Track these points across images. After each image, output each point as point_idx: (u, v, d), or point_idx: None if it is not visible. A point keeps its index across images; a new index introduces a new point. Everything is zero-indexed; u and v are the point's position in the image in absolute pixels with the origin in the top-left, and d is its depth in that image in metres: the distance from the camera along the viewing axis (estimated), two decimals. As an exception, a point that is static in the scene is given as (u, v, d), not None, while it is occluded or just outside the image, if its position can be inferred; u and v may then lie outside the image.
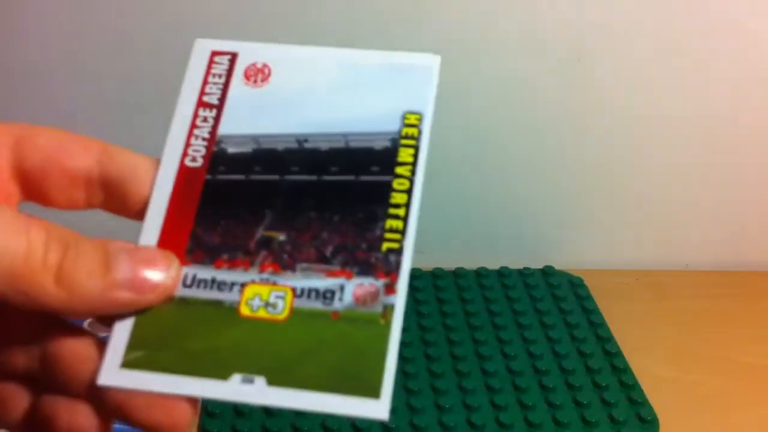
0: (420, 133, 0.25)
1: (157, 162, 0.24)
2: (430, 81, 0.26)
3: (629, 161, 0.63)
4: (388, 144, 0.24)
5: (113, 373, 0.21)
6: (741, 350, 0.56)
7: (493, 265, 0.60)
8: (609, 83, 0.60)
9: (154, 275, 0.22)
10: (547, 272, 0.60)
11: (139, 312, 0.22)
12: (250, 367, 0.21)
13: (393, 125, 0.25)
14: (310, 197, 0.24)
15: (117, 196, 0.23)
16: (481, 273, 0.59)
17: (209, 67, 0.26)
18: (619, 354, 0.52)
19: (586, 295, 0.58)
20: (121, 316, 0.22)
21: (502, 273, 0.59)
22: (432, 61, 0.26)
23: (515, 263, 0.60)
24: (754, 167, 0.64)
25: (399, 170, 0.24)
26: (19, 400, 0.23)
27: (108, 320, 0.22)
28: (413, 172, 0.24)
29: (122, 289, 0.21)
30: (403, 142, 0.24)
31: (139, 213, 0.24)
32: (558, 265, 0.61)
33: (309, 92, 0.25)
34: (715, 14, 0.57)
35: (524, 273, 0.59)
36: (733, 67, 0.59)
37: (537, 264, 0.61)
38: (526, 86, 0.59)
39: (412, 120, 0.25)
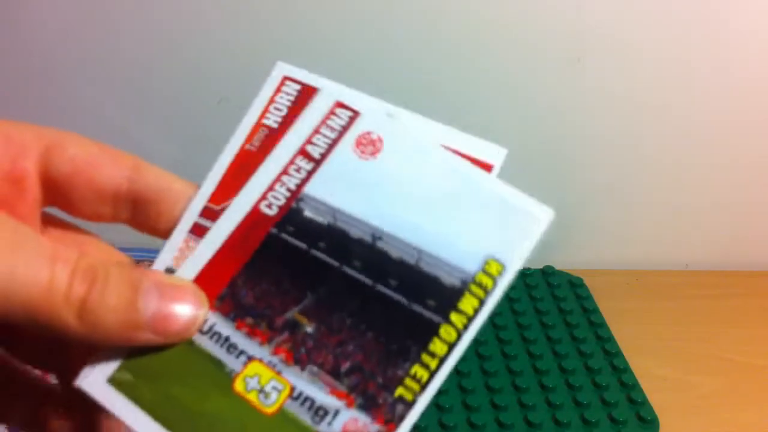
0: (494, 287, 0.22)
1: (194, 186, 0.23)
2: (531, 234, 0.22)
3: (629, 161, 0.63)
4: (456, 283, 0.22)
5: (96, 383, 0.21)
6: (741, 350, 0.56)
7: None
8: (609, 83, 0.60)
9: (180, 319, 0.21)
10: (547, 272, 0.60)
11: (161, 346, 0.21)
12: None
13: (471, 265, 0.22)
14: (356, 300, 0.22)
15: (145, 214, 0.23)
16: (481, 273, 0.59)
17: (327, 117, 0.24)
18: (619, 354, 0.52)
19: (586, 295, 0.58)
20: None
21: (502, 273, 0.59)
22: (544, 214, 0.23)
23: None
24: (754, 167, 0.64)
25: (453, 317, 0.22)
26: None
27: None
28: (466, 327, 0.21)
29: (144, 331, 0.20)
30: (473, 288, 0.22)
31: (166, 233, 0.23)
32: (558, 265, 0.61)
33: (408, 186, 0.23)
34: (715, 14, 0.57)
35: (524, 273, 0.59)
36: (734, 67, 0.59)
37: (537, 264, 0.61)
38: (525, 86, 0.59)
39: (493, 269, 0.22)
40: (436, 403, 0.46)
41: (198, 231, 0.23)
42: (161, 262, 0.23)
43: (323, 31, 0.56)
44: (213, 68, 0.57)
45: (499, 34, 0.57)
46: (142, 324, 0.20)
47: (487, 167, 0.24)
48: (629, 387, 0.49)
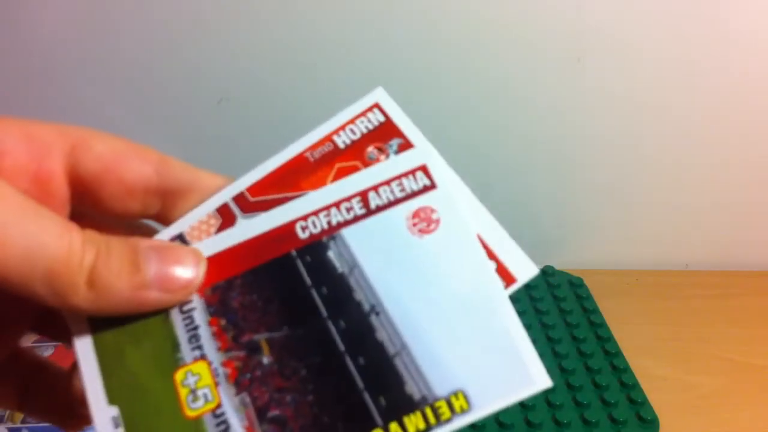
0: (449, 421, 0.20)
1: (224, 179, 0.23)
2: (516, 394, 0.21)
3: (629, 161, 0.64)
4: (416, 396, 0.21)
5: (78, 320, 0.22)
6: (741, 350, 0.56)
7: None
8: (609, 83, 0.60)
9: (183, 273, 0.22)
10: (547, 272, 0.60)
11: (169, 307, 0.22)
12: (122, 412, 0.21)
13: (439, 389, 0.21)
14: (320, 358, 0.21)
15: (174, 207, 0.23)
16: (481, 273, 0.59)
17: (405, 175, 0.23)
18: (619, 354, 0.52)
19: (586, 295, 0.58)
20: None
21: (502, 273, 0.59)
22: (541, 381, 0.21)
23: (515, 263, 0.60)
24: (754, 167, 0.64)
25: (393, 427, 0.20)
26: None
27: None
28: None
29: (151, 289, 0.21)
30: (426, 410, 0.21)
31: None
32: (558, 265, 0.61)
33: (432, 278, 0.22)
34: (714, 14, 0.57)
35: (524, 273, 0.59)
36: (734, 67, 0.59)
37: (537, 264, 0.61)
38: (525, 86, 0.60)
39: (457, 404, 0.21)
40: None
41: (224, 212, 0.23)
42: (177, 226, 0.23)
43: (323, 31, 0.56)
44: (213, 68, 0.57)
45: (499, 34, 0.57)
46: (146, 283, 0.21)
47: (511, 279, 0.23)
48: (629, 387, 0.49)
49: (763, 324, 0.60)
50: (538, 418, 0.46)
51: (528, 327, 0.53)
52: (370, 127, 0.24)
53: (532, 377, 0.21)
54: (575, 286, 0.59)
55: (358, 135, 0.24)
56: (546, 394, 0.48)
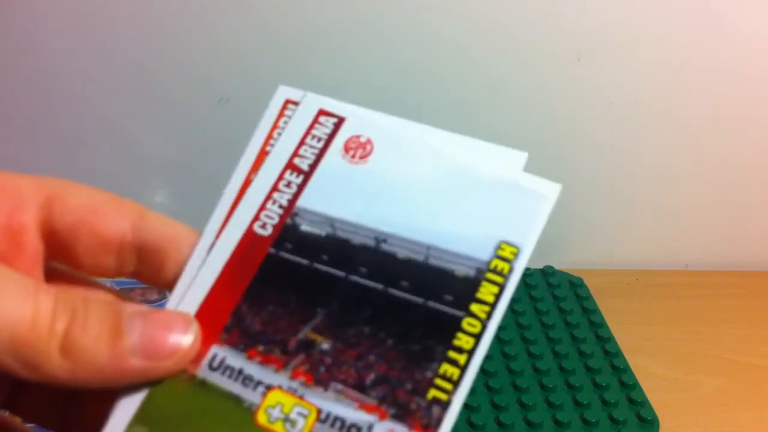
0: (511, 271, 0.21)
1: (198, 234, 0.22)
2: (541, 213, 0.22)
3: (629, 161, 0.64)
4: (471, 273, 0.21)
5: None
6: (741, 350, 0.56)
7: (493, 265, 0.60)
8: (608, 83, 0.60)
9: (171, 339, 0.20)
10: (547, 272, 0.60)
11: (153, 383, 0.20)
12: None
13: (484, 253, 0.21)
14: (369, 308, 0.21)
15: (151, 264, 0.22)
16: (481, 273, 0.59)
17: (311, 126, 0.23)
18: (619, 354, 0.52)
19: (586, 295, 0.58)
20: (134, 386, 0.20)
21: (502, 273, 0.59)
22: (550, 190, 0.22)
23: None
24: (754, 167, 0.64)
25: (474, 308, 0.21)
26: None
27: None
28: (489, 316, 0.20)
29: (134, 356, 0.19)
30: (489, 276, 0.21)
31: (173, 282, 0.22)
32: (558, 265, 0.61)
33: (404, 185, 0.22)
34: (714, 15, 0.57)
35: (524, 273, 0.59)
36: (733, 67, 0.59)
37: (537, 264, 0.61)
38: (525, 86, 0.60)
39: (507, 253, 0.21)
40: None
41: None
42: (171, 305, 0.22)
43: (324, 31, 0.56)
44: (213, 68, 0.57)
45: (498, 34, 0.57)
46: (128, 349, 0.19)
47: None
48: (629, 387, 0.49)
49: (763, 324, 0.60)
50: (538, 418, 0.46)
51: (528, 327, 0.53)
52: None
53: (542, 193, 0.22)
54: (575, 286, 0.59)
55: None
56: (546, 394, 0.48)
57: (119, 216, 0.21)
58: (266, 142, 0.23)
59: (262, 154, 0.23)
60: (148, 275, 0.22)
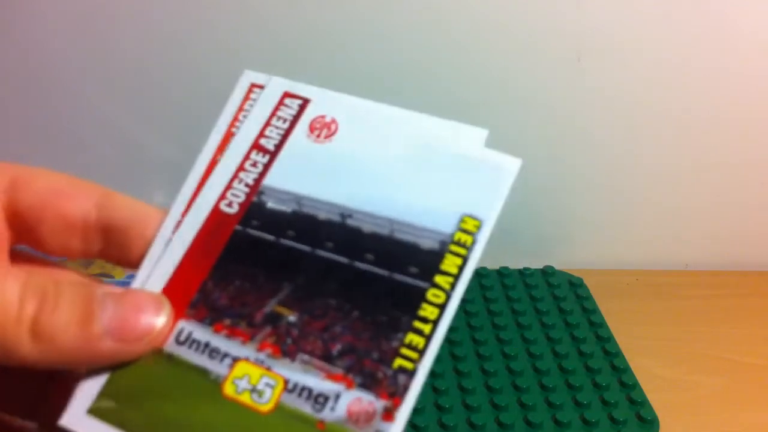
0: (474, 243, 0.22)
1: (163, 213, 0.23)
2: (502, 186, 0.22)
3: (629, 161, 0.64)
4: (435, 246, 0.22)
5: (77, 417, 0.20)
6: (741, 350, 0.56)
7: (493, 265, 0.60)
8: (608, 83, 0.60)
9: (142, 321, 0.20)
10: (547, 272, 0.60)
11: (126, 363, 0.20)
12: None
13: (447, 226, 0.22)
14: (336, 281, 0.22)
15: (117, 244, 0.22)
16: (481, 273, 0.59)
17: (276, 108, 0.24)
18: (619, 354, 0.52)
19: (586, 295, 0.58)
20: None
21: (502, 273, 0.59)
22: (511, 164, 0.23)
23: (515, 263, 0.60)
24: (754, 167, 0.64)
25: (438, 279, 0.21)
26: None
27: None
28: (453, 287, 0.21)
29: (105, 339, 0.19)
30: (452, 248, 0.22)
31: (137, 263, 0.22)
32: (558, 265, 0.61)
33: (369, 162, 0.23)
34: (714, 15, 0.57)
35: (524, 273, 0.59)
36: (733, 67, 0.59)
37: (537, 264, 0.61)
38: (525, 86, 0.60)
39: (470, 226, 0.22)
40: (436, 403, 0.46)
41: None
42: (138, 283, 0.22)
43: (324, 31, 0.56)
44: (213, 68, 0.57)
45: (498, 34, 0.57)
46: (99, 332, 0.19)
47: None
48: (629, 387, 0.49)
49: (763, 324, 0.60)
50: (538, 418, 0.46)
51: (528, 327, 0.53)
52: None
53: (504, 166, 0.23)
54: (575, 286, 0.59)
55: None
56: (546, 394, 0.48)
57: (83, 197, 0.22)
58: (232, 124, 0.24)
59: (228, 136, 0.24)
60: (114, 255, 0.22)
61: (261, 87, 0.25)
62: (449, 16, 0.56)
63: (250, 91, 0.25)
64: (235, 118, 0.24)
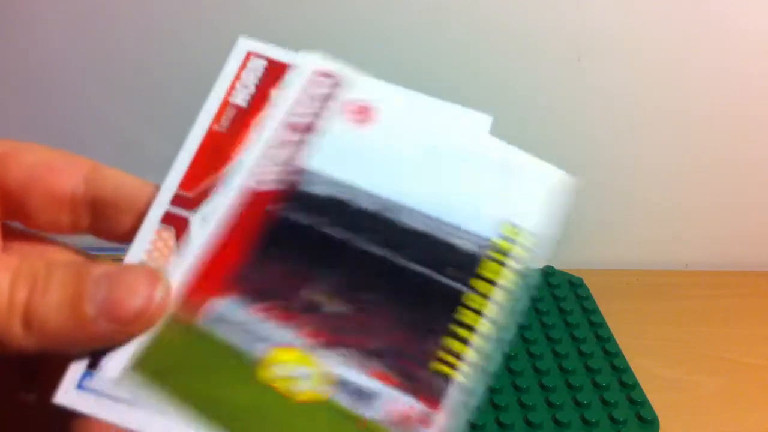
0: (515, 250, 0.21)
1: (154, 186, 0.22)
2: (548, 198, 0.22)
3: (629, 161, 0.63)
4: (474, 249, 0.21)
5: (70, 393, 0.19)
6: (741, 350, 0.56)
7: (493, 265, 0.60)
8: (608, 83, 0.60)
9: (137, 302, 0.19)
10: (547, 272, 0.60)
11: (127, 340, 0.19)
12: None
13: (487, 230, 0.21)
14: (375, 275, 0.21)
15: (106, 218, 0.22)
16: (481, 273, 0.59)
17: (309, 86, 0.23)
18: (619, 354, 0.52)
19: (586, 295, 0.58)
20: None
21: (502, 273, 0.59)
22: (559, 179, 0.23)
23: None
24: (755, 167, 0.64)
25: (476, 284, 0.20)
26: None
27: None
28: (495, 294, 0.20)
29: (99, 321, 0.18)
30: (492, 254, 0.21)
31: (129, 235, 0.21)
32: (558, 265, 0.61)
33: (413, 154, 0.22)
34: (714, 15, 0.57)
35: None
36: (734, 67, 0.59)
37: (537, 264, 0.61)
38: (525, 86, 0.59)
39: (510, 233, 0.21)
40: (436, 403, 0.46)
41: (171, 220, 0.21)
42: (132, 257, 0.21)
43: (324, 31, 0.56)
44: (213, 68, 0.57)
45: (498, 34, 0.57)
46: (92, 314, 0.18)
47: None
48: (629, 387, 0.49)
49: (763, 324, 0.60)
50: (538, 418, 0.46)
51: (528, 327, 0.53)
52: (258, 75, 0.23)
53: (559, 182, 0.22)
54: (575, 286, 0.59)
55: (253, 87, 0.23)
56: (546, 394, 0.48)
57: (71, 171, 0.21)
58: (228, 94, 0.23)
59: (224, 106, 0.23)
60: (103, 230, 0.22)
61: (259, 56, 0.24)
62: (449, 16, 0.56)
63: (247, 59, 0.24)
64: (232, 87, 0.23)
